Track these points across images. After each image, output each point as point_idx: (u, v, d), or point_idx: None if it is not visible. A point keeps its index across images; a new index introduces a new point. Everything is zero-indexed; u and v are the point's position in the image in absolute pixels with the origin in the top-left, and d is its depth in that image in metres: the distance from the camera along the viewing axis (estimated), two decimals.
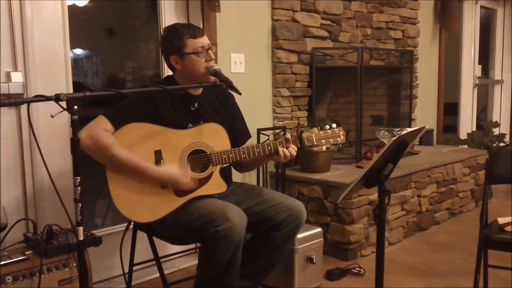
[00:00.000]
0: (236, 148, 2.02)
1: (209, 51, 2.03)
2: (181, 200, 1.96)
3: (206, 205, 1.92)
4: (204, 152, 2.01)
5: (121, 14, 3.36)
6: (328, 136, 2.09)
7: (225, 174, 2.08)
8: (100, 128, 1.88)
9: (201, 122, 2.06)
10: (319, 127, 2.10)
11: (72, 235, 2.01)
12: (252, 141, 2.26)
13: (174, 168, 1.92)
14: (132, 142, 1.90)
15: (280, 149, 2.00)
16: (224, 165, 2.06)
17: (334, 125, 2.10)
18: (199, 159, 2.01)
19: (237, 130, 2.21)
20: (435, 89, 4.93)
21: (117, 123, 1.91)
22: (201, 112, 2.10)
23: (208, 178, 2.01)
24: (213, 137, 2.03)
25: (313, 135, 2.07)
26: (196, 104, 2.10)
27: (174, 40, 2.00)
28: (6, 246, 2.00)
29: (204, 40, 2.02)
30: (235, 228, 1.81)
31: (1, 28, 2.21)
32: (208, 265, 1.90)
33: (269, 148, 2.02)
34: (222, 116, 2.16)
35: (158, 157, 1.95)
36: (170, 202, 1.95)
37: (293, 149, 2.03)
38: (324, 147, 2.10)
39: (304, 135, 2.07)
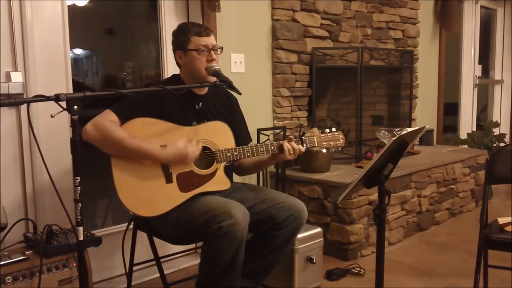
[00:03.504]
0: (241, 147, 2.03)
1: (212, 51, 2.03)
2: (185, 196, 1.95)
3: (209, 202, 1.92)
4: (209, 149, 2.02)
5: (121, 14, 3.35)
6: (329, 139, 2.16)
7: (228, 172, 2.09)
8: (106, 119, 1.89)
9: (205, 121, 2.07)
10: (320, 130, 2.14)
11: (72, 235, 2.01)
12: (252, 141, 2.27)
13: (178, 143, 1.90)
14: (137, 136, 1.90)
15: (285, 145, 2.02)
16: (228, 163, 2.07)
17: (333, 129, 2.18)
18: (203, 156, 2.01)
19: (238, 133, 2.20)
20: (435, 89, 4.93)
21: (123, 117, 1.92)
22: (205, 111, 2.11)
23: (212, 175, 2.02)
24: (218, 135, 2.04)
25: (315, 137, 2.11)
26: (201, 103, 2.11)
27: (180, 35, 2.04)
28: (6, 246, 2.00)
29: (209, 40, 2.03)
30: (238, 225, 1.81)
31: (1, 28, 2.21)
32: (210, 263, 1.90)
33: (272, 148, 2.04)
34: (225, 117, 2.16)
35: None
36: (174, 197, 1.94)
37: (300, 146, 2.06)
38: (324, 150, 2.16)
39: (306, 136, 2.09)
